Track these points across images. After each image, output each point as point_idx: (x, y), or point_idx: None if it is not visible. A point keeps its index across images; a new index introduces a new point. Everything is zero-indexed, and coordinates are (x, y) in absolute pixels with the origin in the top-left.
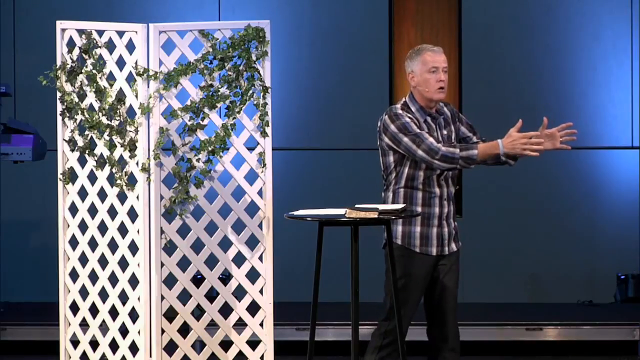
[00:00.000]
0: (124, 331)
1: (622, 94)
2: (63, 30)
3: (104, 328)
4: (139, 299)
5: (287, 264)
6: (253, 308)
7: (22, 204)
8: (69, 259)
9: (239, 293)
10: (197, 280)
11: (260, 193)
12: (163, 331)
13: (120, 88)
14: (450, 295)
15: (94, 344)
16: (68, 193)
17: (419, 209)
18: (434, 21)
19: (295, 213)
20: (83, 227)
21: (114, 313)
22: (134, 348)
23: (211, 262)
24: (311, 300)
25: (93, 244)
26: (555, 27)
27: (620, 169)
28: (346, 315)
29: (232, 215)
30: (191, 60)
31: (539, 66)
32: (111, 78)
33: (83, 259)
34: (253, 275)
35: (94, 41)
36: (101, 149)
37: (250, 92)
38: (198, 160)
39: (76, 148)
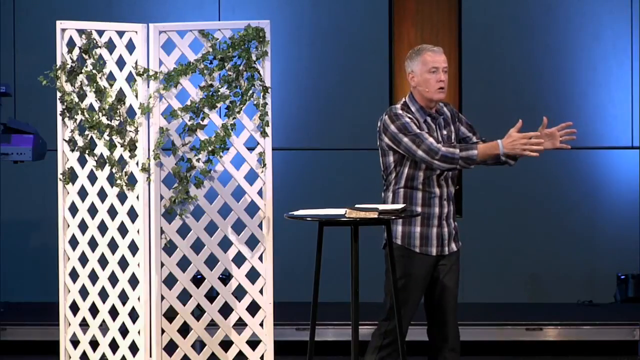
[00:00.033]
0: (124, 331)
1: (622, 94)
2: (63, 30)
3: (104, 328)
4: (139, 299)
5: (287, 264)
6: (253, 308)
7: (22, 204)
8: (69, 259)
9: (239, 293)
10: (197, 280)
11: (260, 193)
12: (163, 331)
13: (120, 88)
14: (450, 295)
15: (94, 344)
16: (68, 193)
17: (419, 209)
18: (434, 21)
19: (295, 213)
20: (83, 227)
21: (114, 313)
22: (134, 348)
23: (211, 262)
24: (311, 300)
25: (93, 244)
26: (555, 27)
27: (620, 169)
28: (346, 315)
29: (232, 215)
30: (191, 60)
31: (539, 66)
32: (111, 78)
33: (83, 259)
34: (253, 275)
35: (94, 41)
36: (101, 149)
37: (250, 92)
38: (198, 160)
39: (76, 148)
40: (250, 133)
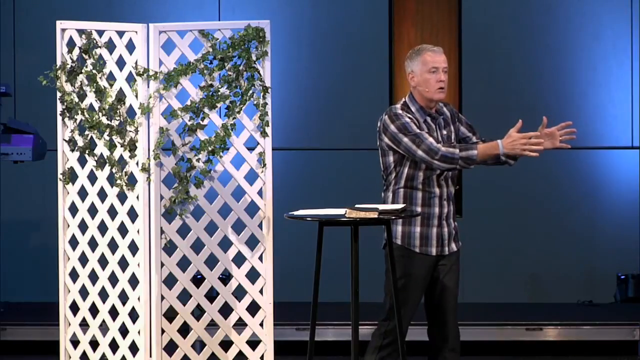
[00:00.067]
0: (124, 331)
1: (622, 94)
2: (63, 30)
3: (104, 328)
4: (139, 299)
5: (287, 264)
6: (253, 308)
7: (22, 204)
8: (69, 259)
9: (239, 293)
10: (197, 280)
11: (260, 193)
12: (163, 331)
13: (120, 88)
14: (450, 295)
15: (94, 344)
16: (68, 193)
17: (419, 209)
18: (434, 21)
19: (295, 213)
20: (83, 227)
21: (114, 313)
22: (134, 348)
23: (211, 262)
24: (311, 300)
25: (93, 244)
26: (555, 27)
27: (620, 169)
28: (346, 315)
29: (232, 215)
30: (191, 60)
31: (539, 66)
32: (111, 78)
33: (83, 259)
34: (253, 275)
35: (94, 41)
36: (101, 149)
37: (250, 92)
38: (198, 160)
39: (76, 148)
40: (250, 133)
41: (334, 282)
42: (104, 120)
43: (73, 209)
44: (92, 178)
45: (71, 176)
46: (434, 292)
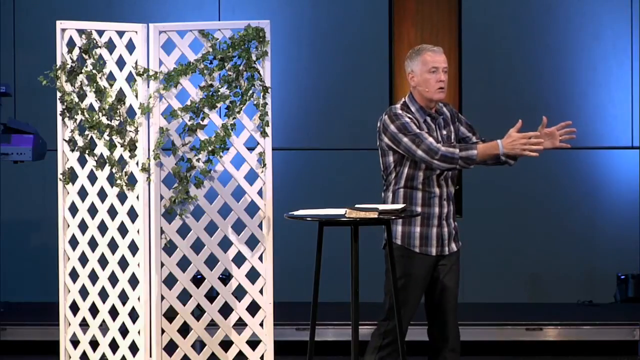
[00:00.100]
0: (124, 331)
1: (622, 94)
2: (63, 30)
3: (104, 328)
4: (139, 299)
5: (287, 264)
6: (253, 308)
7: (22, 204)
8: (69, 259)
9: (239, 293)
10: (197, 280)
11: (260, 193)
12: (163, 331)
13: (120, 88)
14: (450, 295)
15: (94, 344)
16: (68, 193)
17: (419, 209)
18: (434, 21)
19: (295, 213)
20: (83, 227)
21: (114, 313)
22: (134, 348)
23: (211, 262)
24: (311, 300)
25: (93, 244)
26: (555, 27)
27: (620, 169)
28: (346, 315)
29: (232, 215)
30: (191, 60)
31: (539, 66)
32: (111, 78)
33: (83, 259)
34: (253, 275)
35: (94, 41)
36: (101, 149)
37: (250, 92)
38: (198, 160)
39: (76, 148)
40: (250, 133)
41: (334, 282)
42: (104, 120)
43: (73, 209)
44: (92, 178)
45: (71, 176)
46: (434, 292)
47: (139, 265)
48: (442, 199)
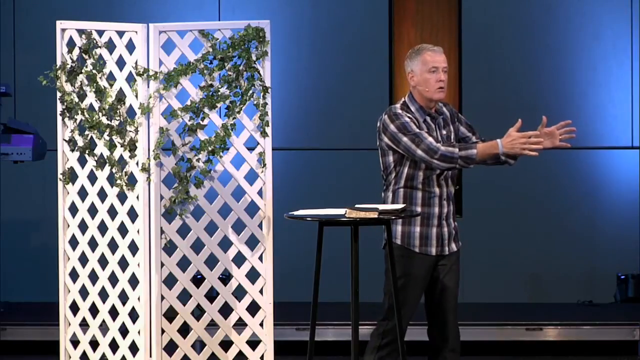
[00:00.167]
0: (124, 331)
1: (622, 94)
2: (63, 30)
3: (104, 328)
4: (139, 299)
5: (287, 264)
6: (253, 308)
7: (22, 204)
8: (69, 259)
9: (239, 293)
10: (197, 280)
11: (260, 193)
12: (163, 331)
13: (120, 88)
14: (450, 295)
15: (94, 344)
16: (68, 193)
17: (419, 209)
18: (434, 21)
19: (295, 213)
20: (83, 227)
21: (114, 313)
22: (134, 348)
23: (211, 262)
24: (311, 300)
25: (93, 244)
26: (555, 27)
27: (620, 169)
28: (346, 315)
29: (232, 215)
30: (191, 60)
31: (539, 66)
32: (111, 78)
33: (83, 259)
34: (253, 275)
35: (94, 41)
36: (101, 149)
37: (250, 92)
38: (198, 160)
39: (76, 148)
40: (250, 133)
41: (334, 282)
42: (104, 120)
43: (73, 209)
44: (92, 178)
45: (71, 176)
46: (434, 292)
47: (139, 265)
48: (442, 198)
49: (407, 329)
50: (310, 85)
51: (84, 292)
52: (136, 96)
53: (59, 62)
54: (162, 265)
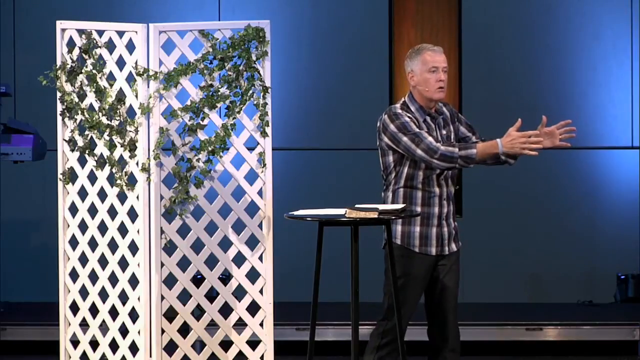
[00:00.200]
0: (124, 331)
1: (622, 94)
2: (63, 30)
3: (104, 328)
4: (139, 299)
5: (287, 264)
6: (253, 308)
7: (22, 204)
8: (69, 259)
9: (239, 293)
10: (197, 280)
11: (260, 193)
12: (163, 331)
13: (120, 88)
14: (450, 295)
15: (94, 344)
16: (68, 193)
17: (419, 209)
18: (434, 21)
19: (295, 213)
20: (83, 227)
21: (114, 313)
22: (134, 348)
23: (211, 262)
24: (311, 300)
25: (93, 244)
26: (555, 27)
27: (620, 169)
28: (346, 315)
29: (232, 215)
30: (191, 60)
31: (539, 66)
32: (111, 78)
33: (83, 259)
34: (253, 275)
35: (94, 41)
36: (101, 149)
37: (250, 92)
38: (198, 160)
39: (76, 148)
40: (250, 133)
41: (334, 282)
42: (104, 120)
43: (73, 209)
44: (92, 178)
45: (71, 176)
46: (434, 292)
47: (139, 265)
48: (442, 198)
49: (407, 328)
50: (310, 85)
51: (84, 292)
52: (136, 96)
53: (59, 62)
54: (162, 265)
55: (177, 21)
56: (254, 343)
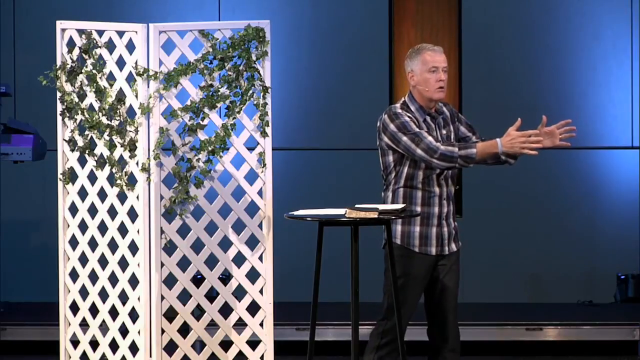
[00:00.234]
0: (124, 331)
1: (622, 94)
2: (63, 30)
3: (104, 328)
4: (139, 299)
5: (287, 264)
6: (253, 308)
7: (22, 204)
8: (69, 259)
9: (239, 293)
10: (197, 280)
11: (260, 193)
12: (163, 331)
13: (120, 88)
14: (450, 295)
15: (94, 344)
16: (68, 193)
17: (419, 209)
18: (434, 21)
19: (295, 213)
20: (83, 227)
21: (114, 313)
22: (134, 348)
23: (211, 262)
24: (311, 300)
25: (93, 244)
26: (555, 27)
27: (620, 169)
28: (346, 315)
29: (232, 215)
30: (191, 60)
31: (539, 66)
32: (111, 78)
33: (83, 259)
34: (253, 275)
35: (94, 41)
36: (101, 149)
37: (250, 92)
38: (198, 160)
39: (76, 148)
40: (250, 133)
41: (334, 282)
42: (104, 120)
43: (73, 209)
44: (92, 178)
45: (71, 176)
46: (434, 292)
47: (139, 265)
48: (442, 198)
49: (407, 328)
50: (310, 85)
51: (84, 292)
52: (136, 96)
53: (59, 62)
54: (162, 265)
55: (177, 21)
56: (254, 343)
